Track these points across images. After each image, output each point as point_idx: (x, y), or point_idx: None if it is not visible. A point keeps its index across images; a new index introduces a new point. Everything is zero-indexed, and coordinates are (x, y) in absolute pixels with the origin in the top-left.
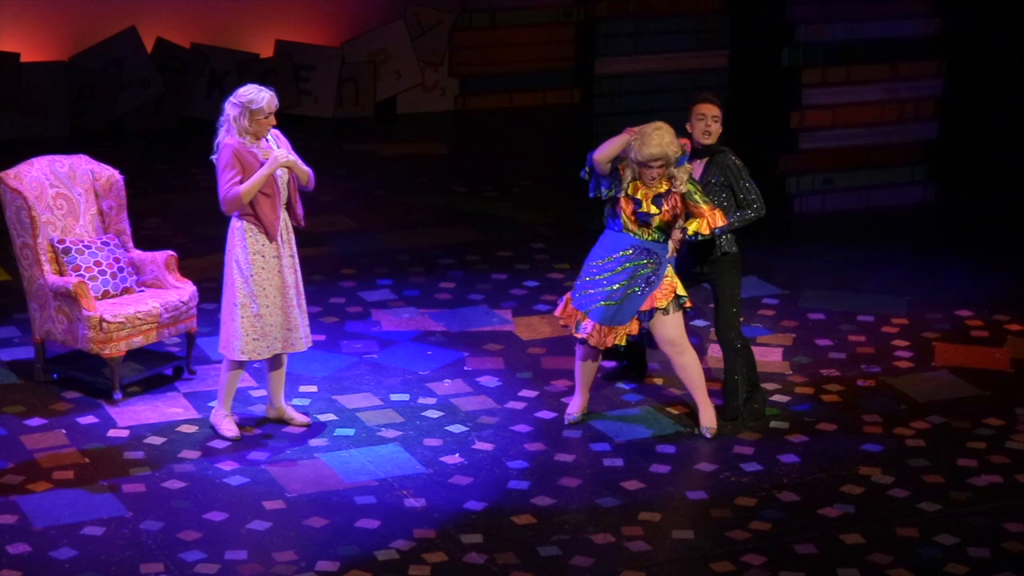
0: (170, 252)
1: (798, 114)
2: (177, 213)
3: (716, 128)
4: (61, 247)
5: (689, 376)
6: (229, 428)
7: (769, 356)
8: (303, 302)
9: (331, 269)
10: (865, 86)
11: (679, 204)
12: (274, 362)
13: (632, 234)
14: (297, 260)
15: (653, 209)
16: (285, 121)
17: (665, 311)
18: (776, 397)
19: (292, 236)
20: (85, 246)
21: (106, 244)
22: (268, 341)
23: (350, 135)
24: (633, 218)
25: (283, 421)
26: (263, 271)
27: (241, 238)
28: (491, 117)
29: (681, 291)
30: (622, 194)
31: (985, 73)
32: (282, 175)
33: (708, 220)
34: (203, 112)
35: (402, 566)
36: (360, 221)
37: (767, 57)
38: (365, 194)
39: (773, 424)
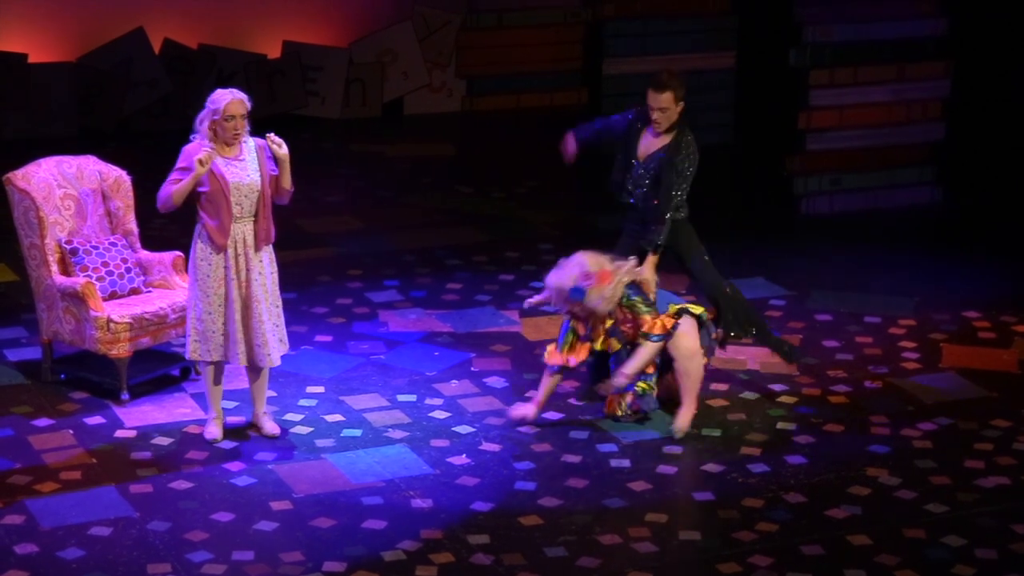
0: (177, 253)
1: (805, 115)
2: (184, 214)
3: (664, 118)
4: (69, 248)
5: (688, 380)
6: (209, 431)
7: (776, 357)
8: (265, 318)
9: (338, 270)
10: (872, 87)
11: (635, 319)
12: (251, 371)
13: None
14: (261, 276)
15: (616, 345)
16: (292, 121)
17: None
18: (783, 398)
19: (250, 251)
20: (93, 247)
21: (113, 245)
22: (210, 346)
23: (357, 136)
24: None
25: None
26: (207, 278)
27: (196, 241)
28: (498, 118)
29: (697, 309)
30: (591, 349)
31: (992, 74)
32: (250, 193)
33: (660, 323)
34: None
35: (409, 567)
36: (367, 222)
37: (774, 58)
38: (372, 195)
39: (780, 425)
